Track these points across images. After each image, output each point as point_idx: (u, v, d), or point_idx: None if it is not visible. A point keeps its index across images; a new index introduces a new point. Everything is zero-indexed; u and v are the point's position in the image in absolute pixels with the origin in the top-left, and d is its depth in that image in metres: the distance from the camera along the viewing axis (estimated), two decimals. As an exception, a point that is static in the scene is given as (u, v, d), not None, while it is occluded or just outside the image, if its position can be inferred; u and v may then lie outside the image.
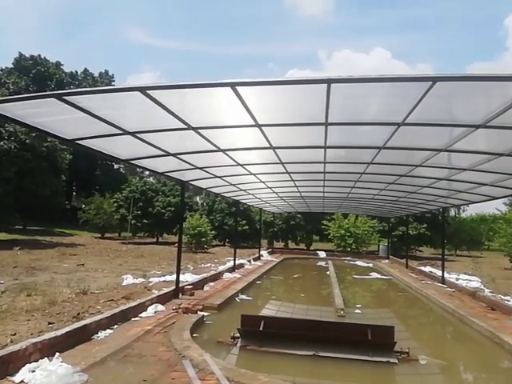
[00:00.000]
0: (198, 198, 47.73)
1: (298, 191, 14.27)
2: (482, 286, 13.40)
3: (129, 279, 12.16)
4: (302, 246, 34.62)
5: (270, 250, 27.24)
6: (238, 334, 6.88)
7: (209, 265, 17.37)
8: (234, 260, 16.26)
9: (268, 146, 6.81)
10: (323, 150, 7.06)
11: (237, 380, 4.87)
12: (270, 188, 13.27)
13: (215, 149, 6.89)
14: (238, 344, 6.74)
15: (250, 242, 31.67)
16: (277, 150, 7.25)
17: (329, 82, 3.75)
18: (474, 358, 7.19)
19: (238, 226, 29.80)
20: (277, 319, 8.05)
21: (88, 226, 34.64)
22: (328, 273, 17.69)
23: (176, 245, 12.31)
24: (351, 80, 3.68)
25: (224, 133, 6.15)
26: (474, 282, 14.36)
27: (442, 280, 14.66)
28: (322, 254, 26.74)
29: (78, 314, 7.58)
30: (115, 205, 33.11)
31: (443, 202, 13.65)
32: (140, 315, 7.80)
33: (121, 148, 6.72)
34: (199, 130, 5.71)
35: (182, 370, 5.16)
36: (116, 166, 51.67)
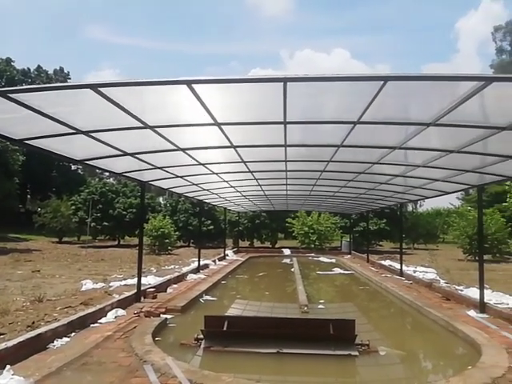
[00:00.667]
0: (161, 199, 46.79)
1: (262, 190, 14.33)
2: (438, 277, 14.03)
3: (88, 284, 11.72)
4: (268, 244, 34.87)
5: (235, 249, 27.22)
6: (202, 336, 6.81)
7: (173, 266, 17.08)
8: (199, 261, 16.08)
9: (229, 144, 6.78)
10: (283, 148, 7.11)
11: (200, 382, 4.81)
12: (234, 187, 13.23)
13: (175, 148, 6.77)
14: (202, 345, 6.66)
15: (216, 241, 31.49)
16: (238, 149, 7.22)
17: (285, 80, 3.77)
18: (430, 346, 7.51)
19: (203, 226, 29.56)
20: (240, 318, 8.04)
21: (44, 230, 33.11)
22: (292, 270, 17.92)
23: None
24: (306, 79, 3.72)
25: (183, 132, 6.04)
26: (430, 274, 15.03)
27: (401, 273, 15.24)
28: (287, 252, 27.06)
29: (33, 322, 7.19)
30: (73, 207, 31.83)
31: (400, 198, 14.19)
32: (99, 321, 7.53)
33: (75, 148, 6.44)
34: (157, 129, 5.57)
35: (143, 376, 5.03)
36: (74, 167, 49.67)
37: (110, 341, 6.43)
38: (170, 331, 7.71)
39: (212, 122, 5.30)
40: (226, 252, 23.41)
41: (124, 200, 32.11)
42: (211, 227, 30.86)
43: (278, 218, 32.17)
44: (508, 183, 15.74)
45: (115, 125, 5.40)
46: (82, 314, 7.31)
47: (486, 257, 19.90)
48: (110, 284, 11.80)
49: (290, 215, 30.79)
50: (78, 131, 5.35)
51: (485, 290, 9.30)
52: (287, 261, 22.96)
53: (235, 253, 25.67)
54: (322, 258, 24.19)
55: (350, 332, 6.57)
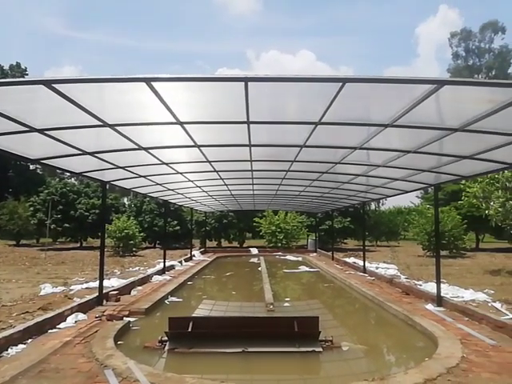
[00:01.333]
0: (125, 200, 45.62)
1: (228, 190, 14.30)
2: (399, 273, 14.54)
3: (47, 288, 11.23)
4: (236, 244, 34.84)
5: (202, 249, 27.01)
6: (166, 338, 6.71)
7: (137, 268, 16.71)
8: (164, 262, 15.83)
9: (193, 144, 6.71)
10: (248, 148, 7.13)
11: (162, 385, 4.74)
12: (200, 187, 13.12)
13: (137, 147, 6.61)
14: (166, 348, 6.56)
15: (182, 242, 31.10)
16: (202, 149, 7.16)
17: (246, 80, 3.78)
18: (390, 340, 7.79)
19: (169, 226, 29.10)
20: (205, 319, 8.01)
21: (0, 232, 31.46)
22: (260, 269, 18.01)
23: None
24: (267, 79, 3.75)
25: (145, 130, 5.92)
26: (391, 270, 15.54)
27: (364, 269, 15.68)
28: (255, 251, 27.15)
29: (-15, 330, 6.83)
30: (31, 209, 30.44)
31: (363, 197, 14.58)
32: (58, 326, 7.25)
33: (30, 147, 6.16)
34: (117, 128, 5.42)
35: (104, 381, 4.89)
36: (32, 167, 47.52)
37: (69, 346, 6.21)
38: (133, 334, 7.54)
39: (174, 120, 5.23)
40: (193, 252, 23.17)
41: (86, 201, 31.05)
42: (177, 228, 30.44)
43: (245, 217, 32.21)
44: (463, 182, 16.51)
45: (73, 123, 5.20)
46: (39, 319, 7.01)
47: (443, 252, 20.89)
48: (71, 287, 11.37)
49: (258, 215, 30.93)
50: (33, 129, 5.11)
51: (442, 285, 9.75)
52: (255, 260, 23.05)
53: (202, 253, 25.46)
54: (289, 257, 24.46)
55: (314, 329, 6.69)
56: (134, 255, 24.46)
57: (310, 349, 6.45)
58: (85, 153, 6.60)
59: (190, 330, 6.73)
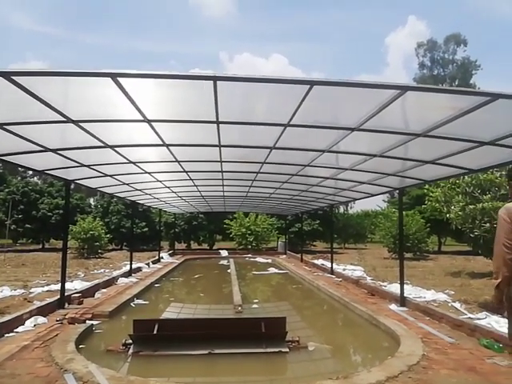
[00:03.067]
0: (91, 200, 44.29)
1: (198, 191, 14.17)
2: (365, 275, 14.89)
3: (5, 291, 10.73)
4: (205, 246, 34.56)
5: (171, 251, 26.62)
6: (130, 341, 6.55)
7: (102, 270, 16.24)
8: (131, 264, 15.47)
9: (161, 143, 6.60)
10: (218, 148, 7.10)
11: (125, 388, 4.62)
12: (169, 188, 12.94)
13: (102, 145, 6.43)
14: (130, 351, 6.40)
15: (151, 244, 30.49)
16: (171, 148, 7.06)
17: (214, 79, 3.76)
18: (355, 339, 7.96)
19: (137, 228, 28.49)
20: (171, 321, 7.89)
21: (-46, 233, 29.82)
22: (229, 271, 17.94)
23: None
24: (236, 79, 3.75)
25: (111, 128, 5.76)
26: (358, 272, 15.90)
27: (331, 271, 15.95)
28: (224, 253, 27.04)
29: None
30: (-10, 208, 29.03)
31: (331, 200, 14.84)
32: (16, 330, 6.91)
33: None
34: (81, 124, 5.25)
35: (63, 386, 4.72)
36: (-8, 165, 45.29)
37: (26, 351, 5.94)
38: (96, 338, 7.31)
39: (141, 118, 5.13)
40: (162, 254, 22.78)
41: (49, 200, 29.92)
42: (146, 229, 29.84)
43: (215, 219, 32.02)
44: (427, 187, 17.14)
45: (35, 118, 4.99)
46: (-6, 323, 6.67)
47: (407, 255, 21.58)
48: (31, 290, 10.92)
49: (228, 217, 30.83)
50: (-10, 123, 4.88)
51: (405, 286, 10.06)
52: (224, 262, 22.93)
53: (171, 255, 25.08)
54: (259, 259, 24.52)
55: (281, 329, 6.73)
56: (100, 257, 23.75)
57: (276, 349, 6.47)
58: (47, 149, 6.35)
59: (155, 332, 6.60)
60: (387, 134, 5.73)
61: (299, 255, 22.76)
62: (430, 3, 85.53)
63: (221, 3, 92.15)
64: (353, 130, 5.47)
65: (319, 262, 19.99)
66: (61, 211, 29.20)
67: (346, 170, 8.56)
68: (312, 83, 3.80)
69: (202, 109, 4.96)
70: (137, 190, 12.50)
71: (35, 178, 49.43)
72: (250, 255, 26.32)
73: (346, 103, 4.97)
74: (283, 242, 29.03)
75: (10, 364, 5.41)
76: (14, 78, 3.60)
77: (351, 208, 52.48)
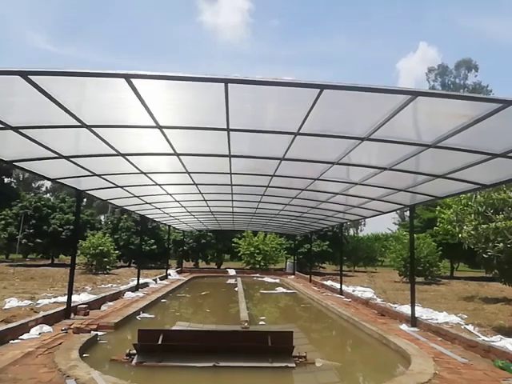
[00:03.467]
0: (102, 217, 44.65)
1: (207, 205, 14.20)
2: (375, 296, 14.54)
3: (12, 302, 10.70)
4: (213, 265, 34.31)
5: (178, 269, 26.48)
6: (135, 351, 6.45)
7: (110, 285, 16.17)
8: (138, 278, 15.40)
9: (172, 152, 6.67)
10: (228, 158, 7.14)
11: (127, 395, 4.52)
12: (178, 201, 12.98)
13: (114, 153, 6.52)
14: (134, 361, 6.30)
15: (159, 262, 30.39)
16: (181, 157, 7.12)
17: (226, 81, 3.82)
18: (365, 357, 7.73)
19: (146, 245, 28.48)
20: (177, 332, 7.78)
21: (-33, 247, 30.13)
22: (236, 289, 17.73)
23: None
24: (247, 81, 3.81)
25: (123, 134, 5.85)
26: (367, 293, 15.54)
27: (341, 292, 15.64)
28: (232, 272, 26.82)
29: None
30: (2, 222, 29.35)
31: (341, 218, 14.70)
32: (21, 337, 6.89)
33: (4, 146, 5.99)
34: (94, 129, 5.35)
35: (65, 391, 4.64)
36: (7, 180, 46.19)
37: (30, 357, 5.89)
38: (100, 348, 7.22)
39: (154, 124, 5.21)
40: (169, 272, 22.66)
41: (61, 216, 30.17)
42: (154, 247, 29.79)
43: (224, 238, 31.88)
44: (438, 209, 16.94)
45: (50, 122, 5.11)
46: (-1, 329, 6.65)
47: (418, 279, 21.10)
48: (38, 302, 10.89)
49: (237, 235, 30.69)
50: (8, 127, 4.99)
51: (416, 307, 9.79)
52: (232, 281, 22.68)
53: (178, 273, 24.93)
54: (267, 278, 24.25)
55: (287, 344, 6.56)
56: (108, 273, 23.69)
57: (283, 364, 6.30)
58: (61, 156, 6.46)
59: (159, 342, 6.49)
60: (397, 145, 5.70)
61: (308, 276, 22.44)
62: (441, 30, 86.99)
63: (235, 29, 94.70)
64: (363, 139, 5.47)
65: (328, 282, 19.66)
66: (71, 227, 29.38)
67: (356, 184, 8.50)
68: (322, 87, 3.82)
69: (212, 114, 5.02)
70: (147, 203, 12.57)
71: (48, 194, 50.23)
72: (257, 275, 26.05)
73: (355, 110, 4.97)
74: (292, 263, 28.68)
75: (12, 369, 5.35)
76: (31, 77, 3.70)
77: (361, 231, 52.06)
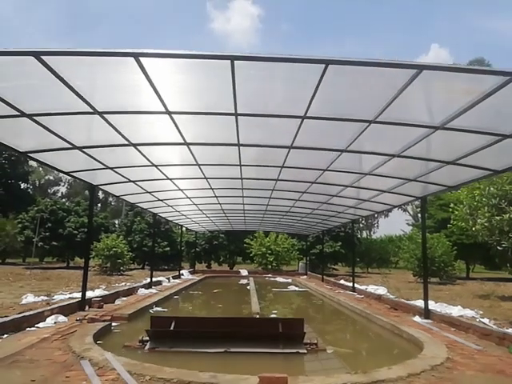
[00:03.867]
0: (116, 221, 45.18)
1: (218, 202, 14.28)
2: (388, 294, 14.38)
3: (29, 298, 10.93)
4: (226, 266, 34.40)
5: (191, 269, 26.66)
6: (147, 337, 6.54)
7: (123, 284, 16.36)
8: (151, 277, 15.55)
9: (182, 141, 6.78)
10: (237, 148, 7.21)
11: (139, 373, 4.60)
12: (190, 198, 13.10)
13: (126, 143, 6.66)
14: (147, 347, 6.38)
15: (171, 264, 30.60)
16: (191, 147, 7.22)
17: (232, 58, 3.90)
18: (376, 345, 7.70)
19: (159, 247, 28.72)
20: (188, 319, 7.84)
21: (-15, 250, 30.74)
22: (248, 287, 17.77)
23: (89, 268, 11.45)
24: (253, 58, 3.88)
25: (134, 122, 5.99)
26: (380, 290, 15.37)
27: (353, 289, 15.54)
28: (244, 272, 26.92)
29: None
30: (19, 226, 29.96)
31: (352, 214, 14.62)
32: (37, 325, 7.05)
33: (19, 136, 6.17)
34: (106, 116, 5.48)
35: (79, 369, 4.74)
36: (23, 186, 47.14)
37: (46, 342, 6.03)
38: (113, 336, 7.34)
39: (163, 110, 5.31)
40: (182, 271, 22.87)
41: (76, 219, 30.67)
42: (167, 249, 30.02)
43: (236, 239, 31.99)
44: (452, 206, 16.70)
45: (62, 109, 5.25)
46: (16, 316, 6.83)
47: (433, 279, 20.80)
48: (53, 297, 11.09)
49: (249, 236, 30.76)
50: (23, 114, 5.16)
51: (430, 302, 9.68)
52: (244, 281, 22.71)
53: (191, 273, 25.10)
54: (279, 279, 24.29)
55: (298, 330, 6.57)
56: (122, 274, 23.94)
57: (294, 350, 6.32)
58: (74, 147, 6.62)
59: (172, 328, 6.57)
60: (405, 129, 5.69)
61: (320, 276, 22.36)
62: (454, 32, 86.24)
63: (245, 35, 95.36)
64: (370, 122, 5.48)
65: (341, 281, 19.53)
66: (86, 230, 29.83)
67: (366, 174, 8.48)
68: (327, 62, 3.86)
69: (220, 96, 5.08)
70: (159, 199, 12.72)
71: (64, 199, 51.08)
72: (270, 275, 26.08)
73: (361, 89, 4.96)
74: (304, 264, 28.60)
75: (29, 352, 5.49)
76: (43, 57, 3.82)
77: (374, 233, 51.54)
